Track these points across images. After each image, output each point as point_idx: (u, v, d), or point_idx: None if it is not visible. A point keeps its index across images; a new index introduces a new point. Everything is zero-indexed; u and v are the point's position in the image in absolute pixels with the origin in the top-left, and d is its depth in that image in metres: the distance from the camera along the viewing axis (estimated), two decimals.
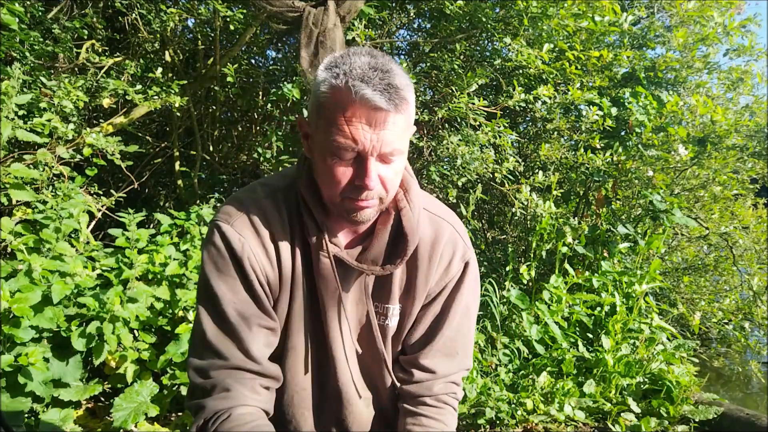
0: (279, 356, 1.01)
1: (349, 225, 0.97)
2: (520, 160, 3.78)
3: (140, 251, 2.62)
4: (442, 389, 1.06)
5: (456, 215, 1.08)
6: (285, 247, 0.96)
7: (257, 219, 0.94)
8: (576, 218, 3.73)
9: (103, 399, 2.48)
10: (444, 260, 1.01)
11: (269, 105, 3.59)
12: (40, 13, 3.02)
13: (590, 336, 3.22)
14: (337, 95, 0.81)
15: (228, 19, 3.18)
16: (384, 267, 0.96)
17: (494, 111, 3.47)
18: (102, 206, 2.95)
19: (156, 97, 3.09)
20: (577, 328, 3.23)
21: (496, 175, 3.43)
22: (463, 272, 1.03)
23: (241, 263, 0.92)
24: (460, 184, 3.42)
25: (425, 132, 3.80)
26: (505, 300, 3.25)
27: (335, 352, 1.02)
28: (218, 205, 3.23)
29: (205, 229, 2.90)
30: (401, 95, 0.82)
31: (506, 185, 3.60)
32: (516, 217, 4.36)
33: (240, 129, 4.51)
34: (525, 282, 3.36)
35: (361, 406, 1.09)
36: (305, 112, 3.17)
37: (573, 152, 3.76)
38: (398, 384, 1.07)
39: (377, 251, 0.97)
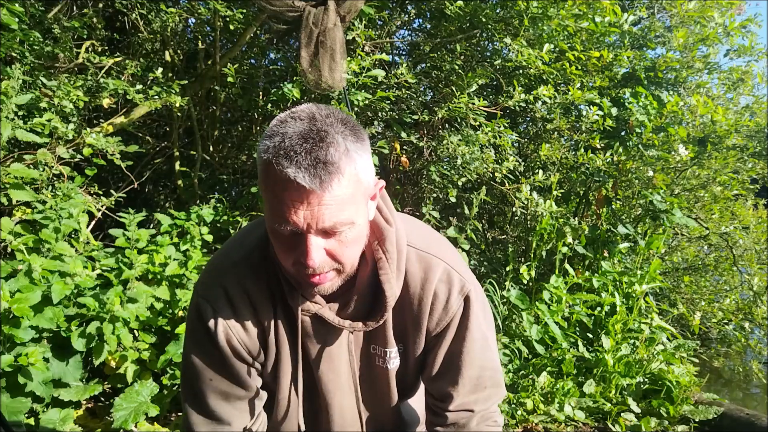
0: (270, 408, 1.04)
1: None
2: (520, 160, 3.78)
3: (140, 251, 2.62)
4: (480, 423, 1.04)
5: (448, 244, 1.03)
6: (264, 309, 0.95)
7: (234, 290, 0.93)
8: (576, 218, 3.73)
9: (103, 399, 2.48)
10: (440, 299, 0.96)
11: (269, 105, 3.59)
12: (40, 13, 3.02)
13: (590, 336, 3.22)
14: (267, 171, 0.76)
15: (228, 19, 3.18)
16: (366, 323, 0.94)
17: (494, 111, 3.47)
18: (102, 206, 2.95)
19: (156, 97, 3.09)
20: (577, 328, 3.23)
21: (496, 174, 3.43)
22: (466, 306, 0.98)
23: (214, 340, 0.94)
24: (460, 184, 3.42)
25: (425, 132, 3.80)
26: (505, 300, 3.25)
27: (328, 401, 1.02)
28: (218, 206, 3.23)
29: (205, 230, 2.91)
30: (330, 170, 0.74)
31: (506, 185, 3.60)
32: (516, 217, 4.35)
33: (240, 129, 4.51)
34: (525, 282, 3.36)
35: None
36: None
37: (573, 152, 3.76)
38: (435, 428, 1.06)
39: (358, 306, 0.94)
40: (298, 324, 0.93)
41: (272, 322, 0.96)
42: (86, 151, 2.75)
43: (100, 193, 3.01)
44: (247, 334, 0.95)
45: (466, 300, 0.98)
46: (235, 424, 0.99)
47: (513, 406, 2.66)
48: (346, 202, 0.78)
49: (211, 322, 0.93)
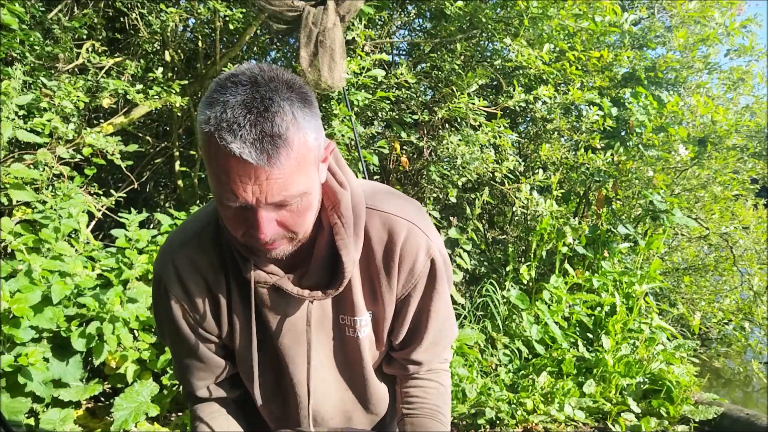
0: (240, 387, 1.06)
1: None
2: (520, 160, 3.78)
3: (140, 251, 2.62)
4: (434, 364, 1.10)
5: (412, 201, 1.00)
6: (218, 285, 0.94)
7: (183, 265, 0.92)
8: (576, 218, 3.73)
9: (103, 399, 2.48)
10: (407, 262, 0.93)
11: None
12: (41, 13, 3.02)
13: (590, 336, 3.23)
14: (209, 145, 0.71)
15: (228, 19, 3.18)
16: (325, 292, 0.91)
17: (494, 111, 3.47)
18: (102, 206, 2.95)
19: (156, 97, 3.09)
20: (577, 328, 3.23)
21: (496, 174, 3.44)
22: (432, 268, 0.96)
23: (172, 317, 0.95)
24: (460, 184, 3.43)
25: (425, 132, 3.80)
26: (505, 300, 3.25)
27: (295, 375, 1.00)
28: None
29: None
30: (277, 143, 0.69)
31: (506, 184, 3.61)
32: (516, 217, 4.36)
33: None
34: (525, 282, 3.36)
35: (337, 422, 1.09)
36: None
37: (573, 152, 3.76)
38: (393, 374, 1.10)
39: (317, 273, 0.92)
40: (251, 296, 0.91)
41: (226, 297, 0.94)
42: (86, 151, 2.75)
43: (100, 193, 3.01)
44: (201, 312, 0.95)
45: (433, 262, 0.96)
46: (204, 395, 1.03)
47: (513, 406, 2.66)
48: (296, 174, 0.74)
49: (166, 301, 0.94)
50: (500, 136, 3.38)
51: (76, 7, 3.34)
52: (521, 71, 3.71)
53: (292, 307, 0.95)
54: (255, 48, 4.14)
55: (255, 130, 0.69)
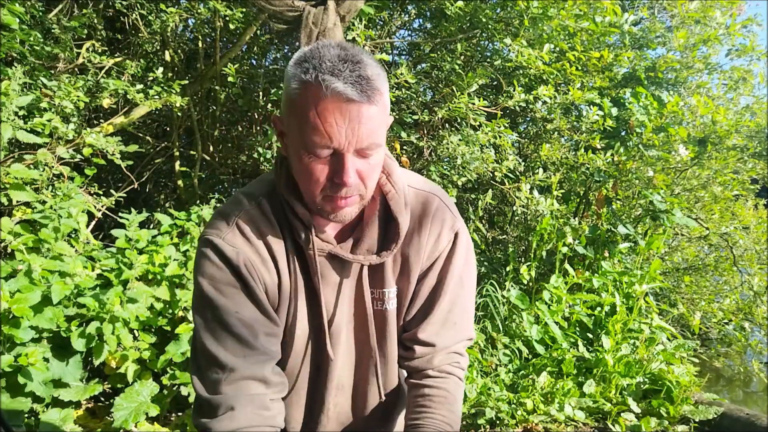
0: (282, 359, 1.01)
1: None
2: (520, 160, 3.78)
3: (140, 251, 2.62)
4: (444, 360, 1.05)
5: (440, 187, 1.07)
6: (280, 252, 0.94)
7: (248, 228, 0.93)
8: (576, 218, 3.73)
9: (103, 399, 2.48)
10: (433, 233, 0.99)
11: (269, 105, 3.58)
12: (41, 14, 3.02)
13: (590, 336, 3.22)
14: (308, 91, 0.79)
15: (228, 18, 3.18)
16: (380, 254, 0.96)
17: (494, 111, 3.47)
18: (102, 206, 2.95)
19: (156, 97, 3.10)
20: (577, 328, 3.23)
21: (496, 174, 3.43)
22: (454, 243, 1.01)
23: (239, 272, 0.91)
24: (460, 184, 3.43)
25: (425, 132, 3.80)
26: (505, 300, 3.25)
27: (335, 348, 1.01)
28: (218, 206, 3.23)
29: None
30: (373, 86, 0.79)
31: (507, 184, 3.60)
32: (516, 217, 4.36)
33: (240, 129, 4.51)
34: (525, 282, 3.36)
35: (358, 400, 1.10)
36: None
37: (573, 152, 3.76)
38: (402, 361, 1.08)
39: (370, 240, 0.96)
40: (316, 264, 0.93)
41: (286, 264, 0.95)
42: (86, 151, 2.75)
43: (100, 193, 3.01)
44: (269, 273, 0.93)
45: (456, 237, 1.01)
46: (273, 354, 0.95)
47: (513, 406, 2.66)
48: (381, 123, 0.83)
49: (233, 256, 0.90)
50: (500, 136, 3.38)
51: (76, 7, 3.34)
52: (521, 71, 3.71)
53: (343, 276, 0.99)
54: (255, 48, 4.14)
55: (354, 74, 0.78)
